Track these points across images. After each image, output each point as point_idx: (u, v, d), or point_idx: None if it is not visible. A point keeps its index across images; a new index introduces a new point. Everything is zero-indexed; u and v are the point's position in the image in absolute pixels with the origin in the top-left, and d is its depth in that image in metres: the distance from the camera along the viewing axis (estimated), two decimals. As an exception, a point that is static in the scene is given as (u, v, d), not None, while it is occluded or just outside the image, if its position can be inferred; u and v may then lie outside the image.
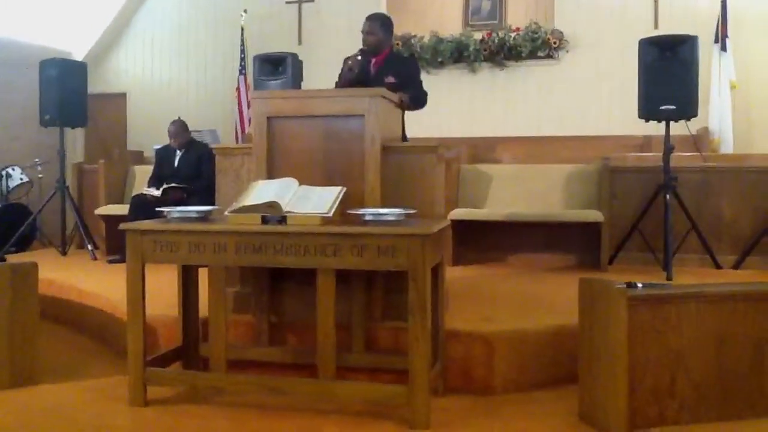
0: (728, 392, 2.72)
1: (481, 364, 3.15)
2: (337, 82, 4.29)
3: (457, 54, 8.17)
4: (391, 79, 3.97)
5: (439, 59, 8.21)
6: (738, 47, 7.20)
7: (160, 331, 3.51)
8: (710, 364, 2.71)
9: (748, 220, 5.15)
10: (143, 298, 2.98)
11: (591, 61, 7.84)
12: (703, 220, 5.09)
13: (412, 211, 2.97)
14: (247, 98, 8.05)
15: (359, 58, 3.96)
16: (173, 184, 5.45)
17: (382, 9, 8.55)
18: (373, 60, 4.09)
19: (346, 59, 4.14)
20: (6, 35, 8.01)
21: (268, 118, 3.27)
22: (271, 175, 3.25)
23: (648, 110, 4.89)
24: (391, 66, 4.11)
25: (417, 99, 4.04)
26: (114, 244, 5.83)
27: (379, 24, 4.13)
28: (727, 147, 6.96)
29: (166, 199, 5.26)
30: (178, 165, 5.70)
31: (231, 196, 3.33)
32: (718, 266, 5.03)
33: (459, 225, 5.19)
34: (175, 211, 3.11)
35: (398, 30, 8.48)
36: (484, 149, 6.81)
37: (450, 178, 5.28)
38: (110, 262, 5.58)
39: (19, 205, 7.05)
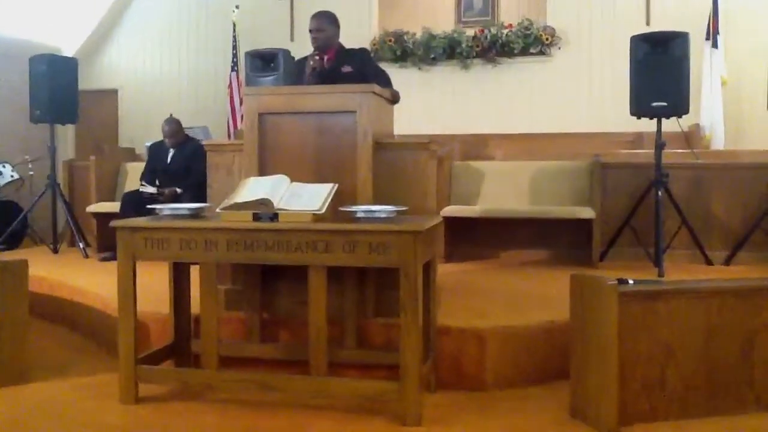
0: (717, 386, 2.75)
1: (472, 360, 3.15)
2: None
3: (450, 50, 8.18)
4: (347, 69, 3.86)
5: (432, 56, 8.22)
6: (729, 44, 7.24)
7: (151, 329, 3.50)
8: (700, 359, 2.73)
9: (739, 216, 5.17)
10: (134, 295, 2.97)
11: (583, 57, 7.86)
12: (694, 216, 5.11)
13: (403, 208, 2.97)
14: (240, 94, 8.03)
15: (317, 57, 3.90)
16: (172, 188, 5.43)
17: (374, 6, 8.57)
18: (326, 57, 3.96)
19: (300, 61, 4.07)
20: (-5, 31, 7.97)
21: (259, 114, 3.26)
22: (262, 172, 3.24)
23: (639, 107, 4.89)
24: (342, 58, 4.03)
25: (395, 96, 3.96)
26: (105, 241, 5.80)
27: (326, 20, 4.05)
28: (718, 143, 7.00)
29: (162, 194, 5.29)
30: (170, 161, 5.69)
31: (222, 193, 3.32)
32: (709, 262, 5.06)
33: (451, 221, 5.20)
34: (167, 208, 3.11)
35: (390, 26, 8.51)
36: (476, 146, 6.81)
37: (442, 175, 5.29)
38: (102, 259, 5.56)
39: (9, 203, 7.01)
